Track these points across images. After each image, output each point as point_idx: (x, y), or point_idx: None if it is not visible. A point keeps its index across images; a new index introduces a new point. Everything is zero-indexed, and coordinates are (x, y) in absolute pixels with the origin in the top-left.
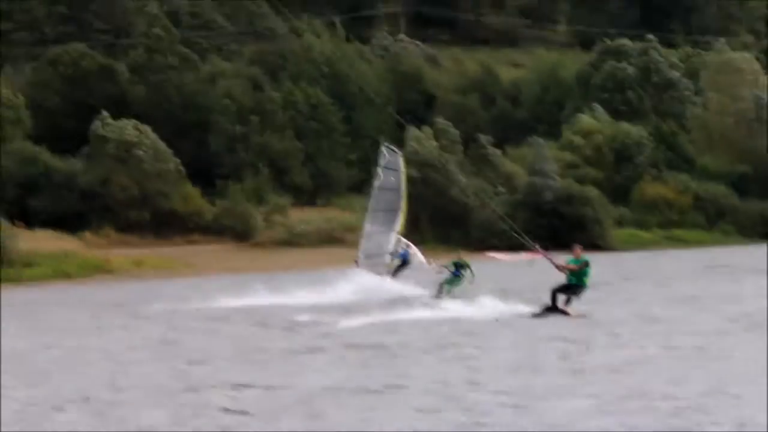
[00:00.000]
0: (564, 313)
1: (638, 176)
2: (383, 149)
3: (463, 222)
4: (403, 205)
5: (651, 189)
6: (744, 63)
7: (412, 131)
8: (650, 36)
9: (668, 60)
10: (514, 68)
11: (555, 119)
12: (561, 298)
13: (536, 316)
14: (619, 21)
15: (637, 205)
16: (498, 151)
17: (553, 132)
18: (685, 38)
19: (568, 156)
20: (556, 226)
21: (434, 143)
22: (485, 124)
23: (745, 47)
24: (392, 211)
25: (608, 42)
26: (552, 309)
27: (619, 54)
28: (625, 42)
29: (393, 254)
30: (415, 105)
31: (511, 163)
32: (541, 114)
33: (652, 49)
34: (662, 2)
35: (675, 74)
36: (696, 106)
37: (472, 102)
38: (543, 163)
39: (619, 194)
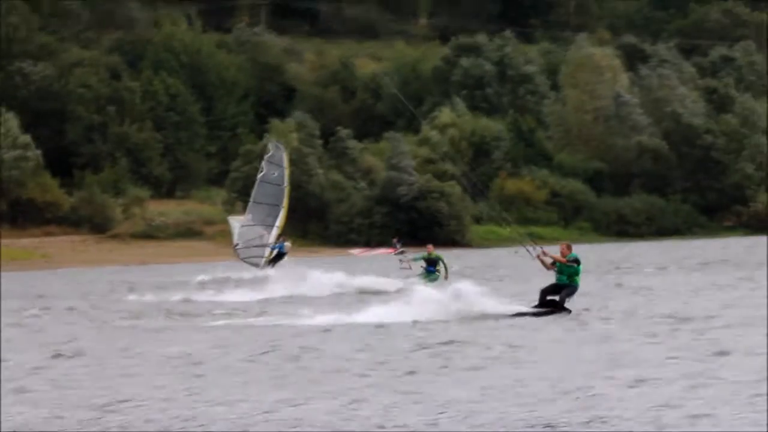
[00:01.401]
0: (564, 310)
1: (496, 172)
2: (268, 144)
3: (322, 216)
4: (286, 200)
5: (509, 184)
6: (603, 59)
7: (271, 124)
8: (507, 32)
9: (525, 55)
10: (375, 61)
11: (413, 114)
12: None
13: (535, 314)
14: (480, 15)
15: (496, 201)
16: (358, 145)
17: (413, 126)
18: (545, 34)
19: (427, 151)
20: (415, 222)
21: (294, 136)
22: (345, 118)
23: (604, 44)
24: (274, 205)
25: (462, 38)
26: (544, 307)
27: (474, 50)
28: (481, 38)
29: (271, 245)
30: (275, 97)
31: (371, 157)
32: (401, 108)
33: (509, 45)
34: None
35: (532, 69)
36: (554, 102)
37: (332, 94)
38: (401, 158)
39: (478, 190)
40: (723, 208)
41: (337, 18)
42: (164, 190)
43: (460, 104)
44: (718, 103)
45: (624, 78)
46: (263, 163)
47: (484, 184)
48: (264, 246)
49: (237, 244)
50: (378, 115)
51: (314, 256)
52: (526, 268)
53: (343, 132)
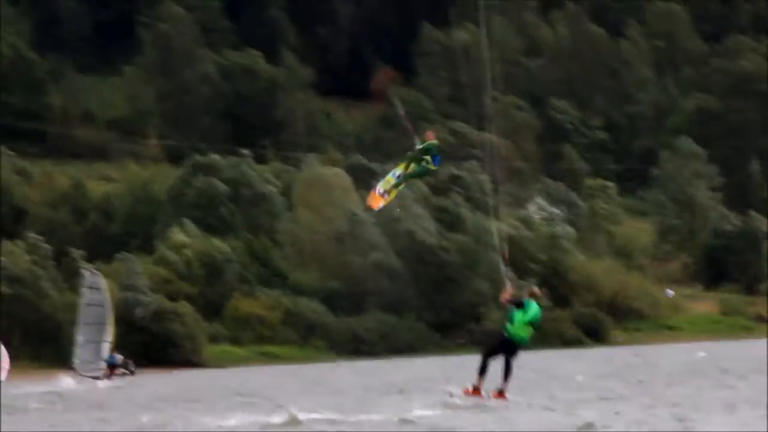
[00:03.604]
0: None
1: (230, 292)
2: (84, 271)
3: (55, 338)
4: (111, 317)
5: (243, 304)
6: (334, 178)
7: (2, 246)
8: (244, 151)
9: (260, 175)
10: (106, 182)
11: (148, 234)
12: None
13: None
14: (211, 136)
15: (231, 321)
16: (90, 266)
17: (146, 247)
18: (276, 154)
19: (162, 271)
20: (149, 343)
21: (26, 258)
22: (78, 239)
23: (334, 163)
24: (101, 324)
25: (198, 157)
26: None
27: (209, 169)
28: (216, 157)
29: (104, 358)
30: (4, 218)
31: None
32: (134, 228)
33: (244, 164)
34: (252, 118)
35: (267, 188)
36: (288, 221)
37: (64, 216)
38: (134, 279)
39: (212, 310)
40: (456, 326)
41: (66, 139)
42: None
43: (189, 224)
44: (449, 222)
45: (355, 196)
46: (84, 289)
47: (219, 304)
48: (102, 360)
49: (74, 363)
50: (110, 235)
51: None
52: None
53: (76, 252)
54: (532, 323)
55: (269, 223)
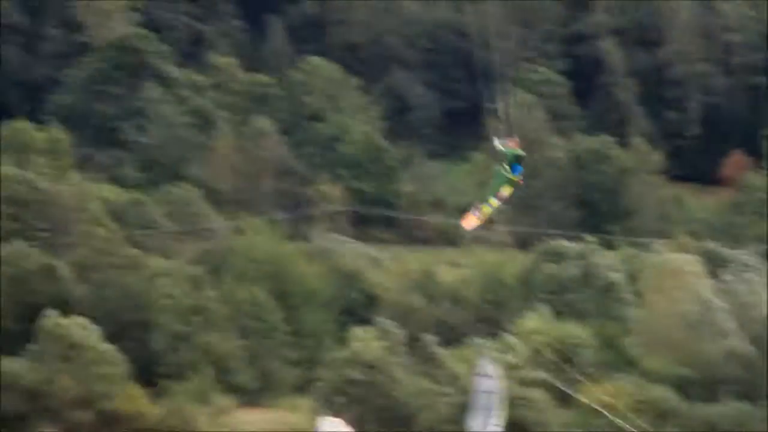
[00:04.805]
0: None
1: (578, 379)
2: (479, 358)
3: (409, 424)
4: (502, 404)
5: (591, 392)
6: (685, 265)
7: (354, 331)
8: (590, 237)
9: (607, 262)
10: (455, 268)
11: (497, 319)
12: None
13: None
14: (559, 222)
15: (579, 408)
16: (443, 352)
17: (495, 333)
18: (625, 240)
19: (509, 357)
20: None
21: (378, 344)
22: (428, 325)
23: (685, 249)
24: (490, 410)
25: (549, 243)
26: None
27: (558, 255)
28: (565, 243)
29: None
30: (356, 304)
31: (456, 363)
32: (484, 314)
33: (592, 250)
34: (601, 205)
35: (615, 277)
36: (638, 307)
37: (416, 301)
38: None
39: (562, 397)
40: None
41: (416, 226)
42: (250, 398)
43: (544, 310)
44: None
45: (707, 282)
46: (476, 377)
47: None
48: None
49: None
50: (460, 321)
51: None
52: None
53: (429, 338)
54: None
55: (617, 309)
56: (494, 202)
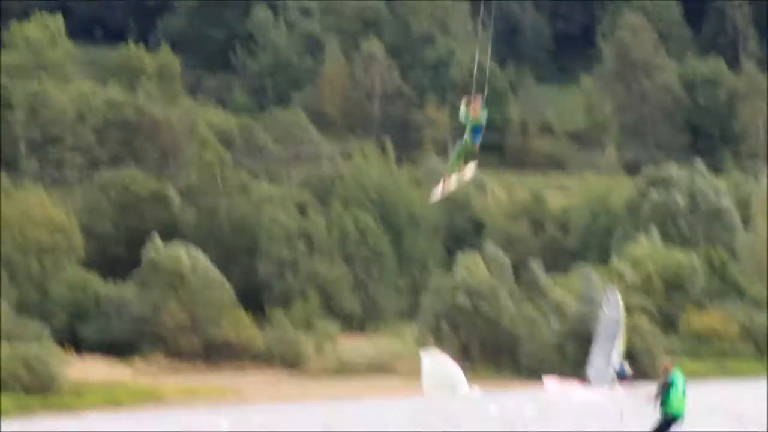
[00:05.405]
0: None
1: (684, 307)
2: (606, 291)
3: (513, 351)
4: (624, 332)
5: (699, 318)
6: None
7: (460, 258)
8: (698, 162)
9: (715, 188)
10: (564, 193)
11: (604, 246)
12: None
13: None
14: (669, 146)
15: (687, 335)
16: (548, 279)
17: (602, 259)
18: (734, 165)
19: (618, 284)
20: None
21: (484, 270)
22: (535, 251)
23: None
24: (614, 338)
25: (653, 169)
26: None
27: (665, 182)
28: (671, 169)
29: (615, 369)
30: (463, 231)
31: (561, 291)
32: (591, 240)
33: (700, 177)
34: (711, 128)
35: (723, 203)
36: (746, 234)
37: (522, 228)
38: (592, 293)
39: (669, 324)
40: None
41: (524, 151)
42: (354, 325)
43: (654, 236)
44: None
45: None
46: (604, 306)
47: (675, 317)
48: (611, 369)
49: (589, 374)
50: (567, 247)
51: (507, 389)
52: None
53: (534, 265)
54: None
55: (726, 236)
56: (455, 183)
